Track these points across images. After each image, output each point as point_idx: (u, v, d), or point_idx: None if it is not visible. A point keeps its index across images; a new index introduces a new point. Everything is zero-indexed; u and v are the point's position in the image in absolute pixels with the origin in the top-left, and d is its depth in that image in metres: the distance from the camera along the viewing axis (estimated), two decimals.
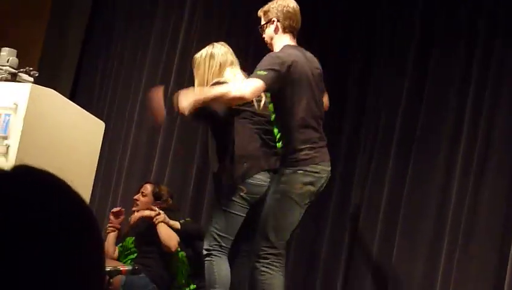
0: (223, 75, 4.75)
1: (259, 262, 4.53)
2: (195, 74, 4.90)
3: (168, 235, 5.46)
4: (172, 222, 5.52)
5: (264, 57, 4.53)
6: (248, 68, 4.83)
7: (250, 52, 6.81)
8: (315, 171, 4.56)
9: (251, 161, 4.61)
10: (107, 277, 4.90)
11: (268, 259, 4.53)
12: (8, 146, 4.57)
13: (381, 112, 5.96)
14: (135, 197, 5.87)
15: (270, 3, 4.83)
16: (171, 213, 5.68)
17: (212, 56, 4.82)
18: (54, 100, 4.78)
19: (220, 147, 4.69)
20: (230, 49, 4.91)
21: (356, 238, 5.91)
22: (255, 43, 6.87)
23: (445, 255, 5.34)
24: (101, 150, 5.27)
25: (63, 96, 4.91)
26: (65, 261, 0.95)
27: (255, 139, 4.68)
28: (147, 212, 5.48)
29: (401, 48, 5.98)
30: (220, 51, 4.86)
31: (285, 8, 4.75)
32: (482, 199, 5.25)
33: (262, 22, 4.80)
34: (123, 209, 5.98)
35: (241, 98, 4.38)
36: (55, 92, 4.82)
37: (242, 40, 6.96)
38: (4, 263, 0.90)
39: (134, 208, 5.85)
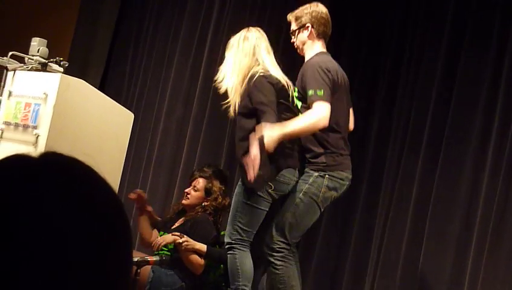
0: (258, 61, 4.68)
1: (273, 256, 4.56)
2: (226, 55, 4.83)
3: (190, 262, 5.41)
4: (198, 246, 5.44)
5: (312, 71, 4.55)
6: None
7: (281, 44, 6.78)
8: (340, 178, 4.62)
9: (281, 158, 4.59)
10: (135, 267, 4.89)
11: (282, 252, 4.57)
12: (38, 135, 4.59)
13: (411, 112, 5.92)
14: (186, 190, 5.76)
15: (301, 9, 4.81)
16: (217, 213, 5.63)
17: (246, 38, 4.76)
18: (84, 90, 4.79)
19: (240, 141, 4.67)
20: (265, 36, 4.84)
21: (384, 238, 5.87)
22: (286, 34, 6.85)
23: (473, 255, 5.29)
24: (129, 140, 5.28)
25: (92, 87, 4.92)
26: (92, 248, 0.94)
27: None
28: (170, 239, 5.41)
29: (431, 49, 5.92)
30: (255, 34, 4.79)
31: (319, 14, 4.75)
32: (511, 200, 5.21)
33: (294, 27, 4.79)
34: (139, 191, 5.84)
35: (320, 127, 4.46)
36: (85, 82, 4.83)
37: (272, 32, 6.94)
38: (31, 248, 0.90)
39: (183, 201, 5.75)
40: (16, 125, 4.77)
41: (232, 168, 6.89)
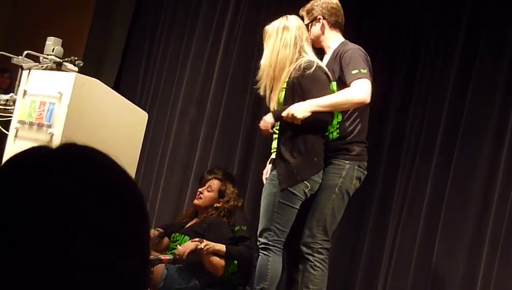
0: (301, 52, 4.58)
1: (314, 256, 4.51)
2: (264, 45, 4.70)
3: (212, 265, 5.42)
4: (218, 247, 5.45)
5: (355, 53, 4.54)
6: None
7: None
8: (364, 168, 4.62)
9: (319, 158, 4.54)
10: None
11: (323, 255, 4.53)
12: (52, 134, 4.60)
13: (424, 115, 5.90)
14: (200, 189, 5.78)
15: (312, 2, 4.81)
16: (229, 215, 5.63)
17: (285, 28, 4.61)
18: (98, 90, 4.80)
19: (292, 139, 4.50)
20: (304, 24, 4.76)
21: (397, 239, 5.86)
22: None
23: (485, 257, 5.27)
24: (143, 141, 5.28)
25: (107, 86, 4.92)
26: (114, 234, 0.95)
27: (322, 135, 4.59)
28: (192, 246, 5.40)
29: (446, 50, 5.91)
30: (295, 23, 4.66)
31: (329, 5, 4.74)
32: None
33: (306, 21, 4.75)
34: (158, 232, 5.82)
35: (363, 102, 4.43)
36: (100, 81, 4.84)
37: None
38: (48, 235, 0.91)
39: (196, 201, 5.77)
40: (31, 124, 4.77)
41: (245, 170, 6.90)
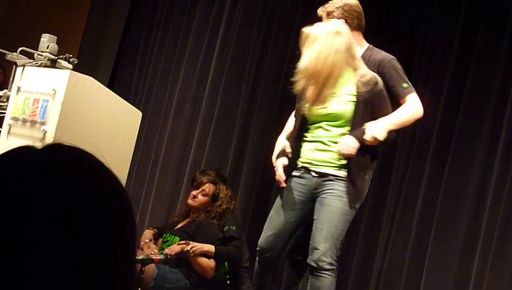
0: (353, 58, 4.37)
1: (329, 269, 4.32)
2: (306, 48, 4.37)
3: (201, 267, 5.41)
4: (206, 248, 5.44)
5: (395, 65, 4.51)
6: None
7: (290, 45, 6.78)
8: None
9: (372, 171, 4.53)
10: (140, 265, 4.88)
11: (335, 266, 4.37)
12: (46, 132, 4.59)
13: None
14: (194, 192, 5.76)
15: (332, 3, 4.63)
16: (220, 218, 5.63)
17: (338, 33, 4.32)
18: (92, 88, 4.79)
19: (362, 157, 4.35)
20: None
21: (390, 240, 5.86)
22: (296, 33, 6.84)
23: (478, 259, 5.28)
24: (137, 139, 5.27)
25: (101, 84, 4.91)
26: (99, 236, 0.95)
27: None
28: (178, 249, 5.40)
29: (441, 53, 5.91)
30: (347, 30, 4.46)
31: (351, 8, 4.60)
32: None
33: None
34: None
35: (421, 116, 4.52)
36: (94, 79, 4.83)
37: (282, 33, 6.93)
38: (32, 235, 0.91)
39: (189, 202, 5.76)
40: (24, 121, 4.76)
41: (238, 169, 6.89)
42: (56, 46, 5.08)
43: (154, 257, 5.14)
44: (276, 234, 4.51)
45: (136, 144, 5.25)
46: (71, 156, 0.99)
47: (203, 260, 5.41)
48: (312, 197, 4.41)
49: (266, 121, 6.86)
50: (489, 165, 5.41)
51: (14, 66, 5.07)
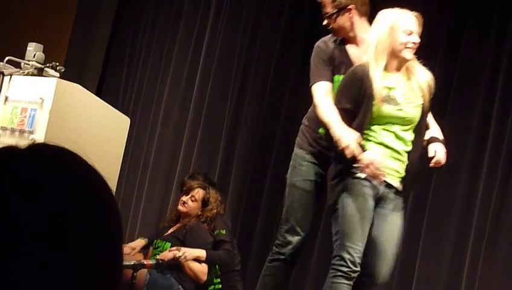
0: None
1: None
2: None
3: (193, 272, 5.43)
4: (197, 253, 5.45)
5: None
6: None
7: (277, 48, 6.80)
8: None
9: None
10: (131, 271, 4.89)
11: None
12: (34, 140, 4.59)
13: None
14: (183, 198, 5.75)
15: None
16: (210, 222, 5.63)
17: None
18: (80, 95, 4.80)
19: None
20: None
21: None
22: (282, 39, 6.86)
23: (470, 254, 5.30)
24: (126, 146, 5.27)
25: (88, 92, 4.92)
26: (82, 237, 0.94)
27: None
28: (170, 256, 5.40)
29: (429, 48, 5.93)
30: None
31: None
32: (509, 199, 5.21)
33: (330, 10, 4.35)
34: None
35: None
36: (81, 87, 4.83)
37: (268, 34, 6.95)
38: (14, 237, 0.90)
39: (180, 208, 5.75)
40: (12, 130, 4.77)
41: (227, 174, 6.90)
42: (43, 54, 5.09)
43: (145, 263, 5.15)
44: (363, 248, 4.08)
45: (125, 150, 5.25)
46: (55, 155, 0.98)
47: (195, 265, 5.42)
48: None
49: (254, 124, 6.87)
50: (479, 160, 5.43)
51: (1, 76, 5.06)
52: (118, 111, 5.16)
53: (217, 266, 5.60)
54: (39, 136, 4.58)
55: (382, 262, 4.06)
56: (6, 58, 5.09)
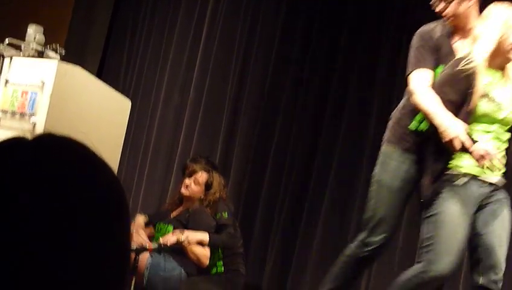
0: None
1: None
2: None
3: (195, 255, 5.43)
4: (200, 236, 5.45)
5: None
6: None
7: (278, 33, 6.78)
8: None
9: None
10: (134, 255, 4.89)
11: None
12: (35, 123, 4.58)
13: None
14: (186, 181, 5.74)
15: None
16: (213, 205, 5.63)
17: None
18: (81, 77, 4.78)
19: None
20: None
21: None
22: (283, 21, 6.84)
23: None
24: (127, 127, 5.26)
25: (89, 74, 4.91)
26: (92, 228, 0.94)
27: None
28: (173, 239, 5.40)
29: None
30: None
31: None
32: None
33: None
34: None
35: None
36: (82, 69, 4.82)
37: (269, 19, 6.92)
38: (24, 228, 0.89)
39: (183, 191, 5.74)
40: (13, 113, 4.76)
41: (229, 155, 6.90)
42: (43, 36, 5.07)
43: (148, 246, 5.16)
44: (460, 258, 3.86)
45: (126, 132, 5.25)
46: (62, 146, 0.98)
47: (198, 249, 5.42)
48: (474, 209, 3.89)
49: (255, 106, 6.86)
50: None
51: (1, 58, 5.05)
52: (119, 93, 5.14)
53: (219, 249, 5.61)
54: (40, 119, 4.57)
55: (497, 256, 3.84)
56: (7, 40, 5.07)
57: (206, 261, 5.44)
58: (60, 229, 0.91)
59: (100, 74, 7.91)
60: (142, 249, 5.03)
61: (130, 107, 5.15)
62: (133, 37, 8.23)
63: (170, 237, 5.38)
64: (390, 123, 4.20)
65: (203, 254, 5.43)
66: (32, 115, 4.63)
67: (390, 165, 4.10)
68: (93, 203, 0.95)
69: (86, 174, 0.97)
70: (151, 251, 5.22)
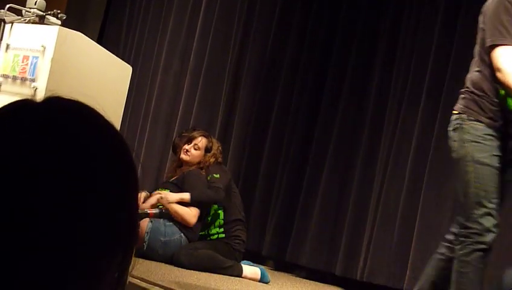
0: None
1: None
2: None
3: (180, 216, 5.47)
4: (180, 195, 5.49)
5: None
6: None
7: (278, 9, 6.77)
8: None
9: None
10: None
11: None
12: (36, 88, 4.59)
13: (410, 67, 5.92)
14: (186, 147, 5.78)
15: None
16: (208, 168, 5.68)
17: None
18: (82, 43, 4.77)
19: None
20: None
21: (383, 191, 5.91)
22: (282, 5, 6.83)
23: None
24: (127, 94, 5.27)
25: (90, 40, 4.90)
26: (106, 192, 0.94)
27: None
28: (153, 200, 5.44)
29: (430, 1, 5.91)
30: None
31: None
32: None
33: None
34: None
35: None
36: (83, 35, 4.81)
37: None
38: (34, 189, 0.89)
39: (183, 156, 5.78)
40: (14, 78, 4.76)
41: (230, 123, 6.92)
42: (44, 2, 5.05)
43: (149, 212, 5.20)
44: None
45: (126, 98, 5.25)
46: (71, 108, 0.97)
47: (180, 208, 5.46)
48: None
49: (256, 74, 6.87)
50: None
51: (2, 23, 5.04)
52: (119, 59, 5.14)
53: (220, 215, 5.65)
54: (41, 84, 4.58)
55: None
56: (7, 5, 5.06)
57: (192, 219, 5.47)
58: (73, 194, 0.90)
59: (100, 39, 7.91)
60: (143, 214, 5.08)
61: (130, 72, 5.15)
62: (133, 4, 8.22)
63: (151, 199, 5.44)
64: (469, 96, 3.89)
65: (187, 212, 5.46)
66: (33, 80, 4.63)
67: (486, 143, 3.80)
68: (106, 167, 0.95)
69: (96, 138, 0.96)
70: (152, 216, 5.26)
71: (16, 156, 0.90)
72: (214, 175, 5.65)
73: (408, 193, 5.73)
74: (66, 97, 0.99)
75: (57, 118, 0.95)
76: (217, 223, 5.65)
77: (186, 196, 5.48)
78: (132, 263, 0.98)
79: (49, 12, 4.98)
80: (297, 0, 6.77)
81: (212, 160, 5.70)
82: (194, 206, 5.50)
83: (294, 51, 6.71)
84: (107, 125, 1.00)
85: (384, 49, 6.16)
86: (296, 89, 6.65)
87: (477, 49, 3.87)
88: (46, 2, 5.10)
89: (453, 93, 5.59)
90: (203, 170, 5.67)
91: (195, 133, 5.81)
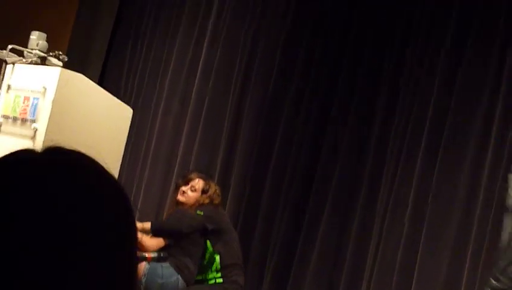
0: None
1: None
2: None
3: (140, 244, 5.48)
4: (141, 225, 5.51)
5: None
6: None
7: (280, 48, 6.79)
8: None
9: None
10: None
11: None
12: (36, 129, 4.59)
13: (410, 116, 5.92)
14: (183, 188, 5.78)
15: None
16: (199, 207, 5.67)
17: None
18: (83, 85, 4.79)
19: None
20: None
21: (381, 241, 5.87)
22: (288, 31, 6.84)
23: (469, 259, 5.28)
24: (127, 136, 5.27)
25: (91, 82, 4.92)
26: (102, 241, 0.94)
27: None
28: None
29: (431, 54, 5.92)
30: None
31: None
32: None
33: None
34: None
35: None
36: (84, 76, 4.83)
37: (277, 22, 6.91)
38: (36, 243, 0.89)
39: (179, 197, 5.78)
40: (15, 119, 4.77)
41: (229, 166, 6.89)
42: (46, 43, 5.08)
43: (147, 255, 5.18)
44: None
45: (126, 140, 5.25)
46: (71, 162, 0.98)
47: (143, 237, 5.48)
48: None
49: (257, 116, 6.86)
50: (480, 163, 5.42)
51: (4, 64, 5.06)
52: (120, 101, 5.16)
53: (216, 259, 5.61)
54: (41, 125, 4.58)
55: None
56: (10, 46, 5.08)
57: (150, 247, 5.47)
58: (69, 245, 0.91)
59: (102, 81, 7.93)
60: (141, 258, 5.05)
61: (131, 115, 5.17)
62: (135, 45, 8.24)
63: None
64: None
65: (145, 241, 5.46)
66: (33, 121, 4.64)
67: None
68: (102, 221, 0.95)
69: (95, 193, 0.97)
70: (150, 260, 5.24)
71: (11, 211, 0.91)
72: (198, 212, 5.64)
73: (407, 240, 5.69)
74: (67, 148, 0.99)
75: (55, 175, 0.95)
76: (213, 268, 5.61)
77: (146, 225, 5.51)
78: None
79: (50, 53, 5.01)
80: (302, 38, 6.75)
81: (206, 201, 5.68)
82: (154, 235, 5.51)
83: (296, 90, 6.69)
84: (105, 177, 1.00)
85: (386, 93, 6.15)
86: (298, 128, 6.61)
87: None
88: (48, 41, 5.13)
89: (451, 145, 5.61)
90: (192, 209, 5.67)
91: (193, 175, 5.81)
